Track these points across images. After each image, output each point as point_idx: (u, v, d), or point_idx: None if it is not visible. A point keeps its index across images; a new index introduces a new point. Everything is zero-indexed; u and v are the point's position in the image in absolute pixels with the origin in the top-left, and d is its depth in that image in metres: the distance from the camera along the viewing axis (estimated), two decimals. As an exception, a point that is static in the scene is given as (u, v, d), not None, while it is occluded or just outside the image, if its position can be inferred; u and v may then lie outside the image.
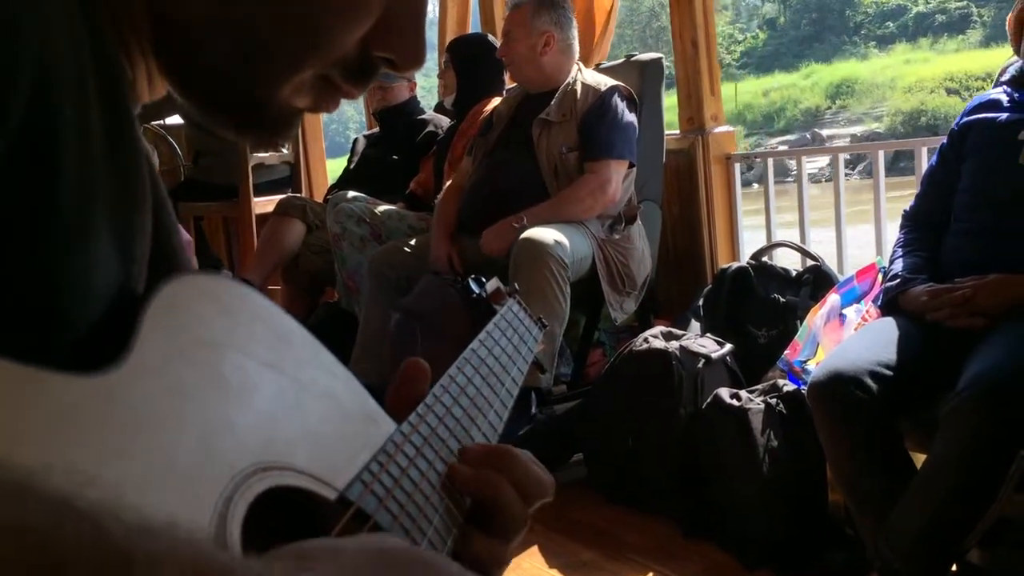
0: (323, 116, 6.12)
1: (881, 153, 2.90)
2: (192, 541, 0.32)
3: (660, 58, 3.09)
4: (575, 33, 2.87)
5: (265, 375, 0.49)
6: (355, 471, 0.52)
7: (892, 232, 2.26)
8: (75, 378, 0.38)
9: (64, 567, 0.27)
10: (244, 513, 0.43)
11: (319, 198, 4.22)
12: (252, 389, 0.48)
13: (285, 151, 4.38)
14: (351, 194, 3.32)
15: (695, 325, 2.77)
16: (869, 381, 1.71)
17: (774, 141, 32.10)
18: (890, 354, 1.78)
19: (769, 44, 46.86)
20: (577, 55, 2.89)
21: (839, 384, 1.72)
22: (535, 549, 2.23)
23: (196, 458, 0.42)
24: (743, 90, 39.76)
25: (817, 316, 2.24)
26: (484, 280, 0.88)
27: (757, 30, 48.11)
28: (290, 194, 4.16)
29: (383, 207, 3.29)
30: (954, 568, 1.73)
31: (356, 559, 0.40)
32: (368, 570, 0.39)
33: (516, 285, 0.91)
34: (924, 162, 2.53)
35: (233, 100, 0.54)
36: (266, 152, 4.17)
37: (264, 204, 4.10)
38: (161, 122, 4.91)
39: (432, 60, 4.11)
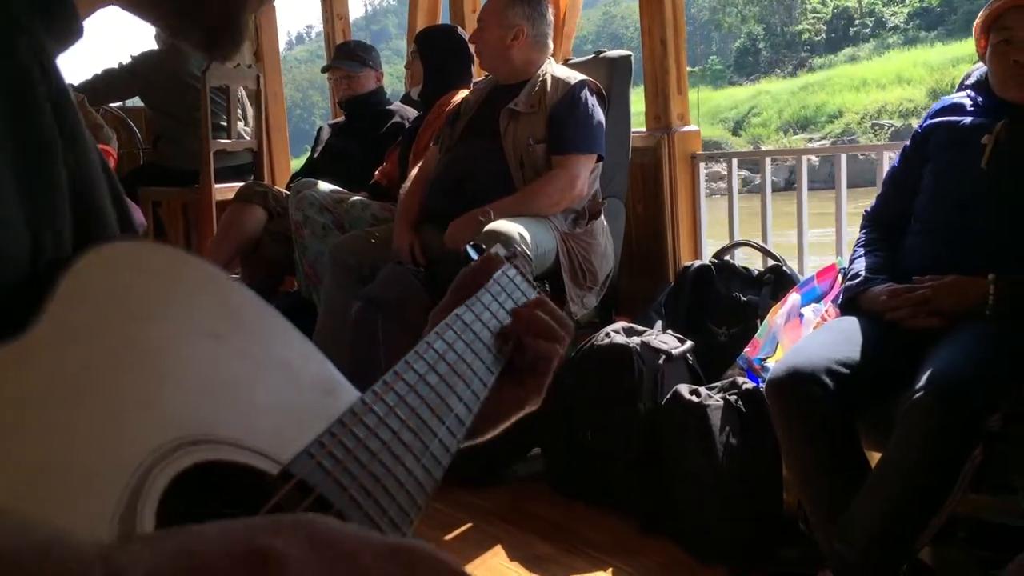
0: (287, 104, 6.05)
1: (844, 156, 2.93)
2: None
3: (629, 55, 3.10)
4: (549, 30, 2.86)
5: (202, 346, 0.47)
6: (305, 444, 0.49)
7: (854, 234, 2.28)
8: None
9: None
10: (164, 487, 0.41)
11: (281, 186, 4.16)
12: (183, 361, 0.46)
13: (247, 137, 4.31)
14: (320, 183, 3.28)
15: (657, 322, 2.77)
16: (826, 379, 1.72)
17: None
18: (848, 352, 1.79)
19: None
20: (550, 50, 2.88)
21: (797, 381, 1.73)
22: (499, 547, 2.22)
23: (101, 436, 0.40)
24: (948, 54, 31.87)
25: (777, 315, 2.25)
26: (484, 247, 0.85)
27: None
28: (252, 181, 4.10)
29: (350, 197, 3.26)
30: (904, 568, 1.75)
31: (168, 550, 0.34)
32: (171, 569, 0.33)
33: (516, 249, 0.89)
34: (886, 166, 2.55)
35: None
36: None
37: (225, 191, 4.02)
38: (121, 105, 4.82)
39: (400, 50, 4.08)
